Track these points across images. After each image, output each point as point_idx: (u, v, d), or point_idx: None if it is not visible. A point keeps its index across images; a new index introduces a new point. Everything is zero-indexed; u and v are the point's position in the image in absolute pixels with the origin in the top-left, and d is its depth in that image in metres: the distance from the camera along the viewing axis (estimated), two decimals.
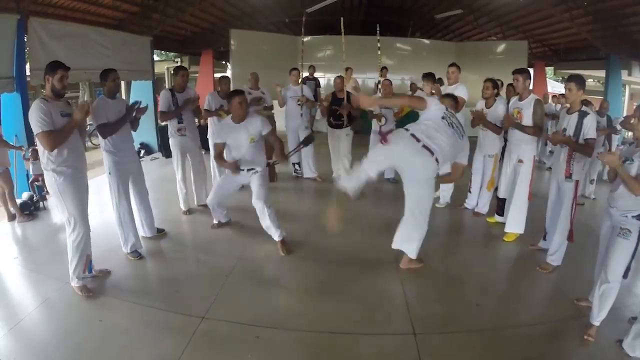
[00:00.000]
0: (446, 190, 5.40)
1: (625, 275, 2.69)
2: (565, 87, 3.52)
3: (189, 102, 4.71)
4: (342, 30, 5.60)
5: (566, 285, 3.54)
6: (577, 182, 3.58)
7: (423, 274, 3.70)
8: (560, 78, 23.99)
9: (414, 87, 8.48)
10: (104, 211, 4.76)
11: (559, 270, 3.74)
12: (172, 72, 5.84)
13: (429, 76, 5.63)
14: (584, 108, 3.46)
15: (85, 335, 2.77)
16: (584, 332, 2.80)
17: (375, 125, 6.25)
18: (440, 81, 6.97)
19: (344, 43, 5.76)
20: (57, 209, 3.20)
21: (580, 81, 3.46)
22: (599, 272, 2.87)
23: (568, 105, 3.61)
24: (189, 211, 5.11)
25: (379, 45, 6.87)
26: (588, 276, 3.25)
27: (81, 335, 2.77)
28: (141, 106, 3.95)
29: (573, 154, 3.54)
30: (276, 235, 4.02)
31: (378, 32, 6.81)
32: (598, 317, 2.76)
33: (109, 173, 3.78)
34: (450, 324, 2.57)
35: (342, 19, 5.57)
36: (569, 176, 3.58)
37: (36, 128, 2.90)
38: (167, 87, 16.33)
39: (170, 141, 4.96)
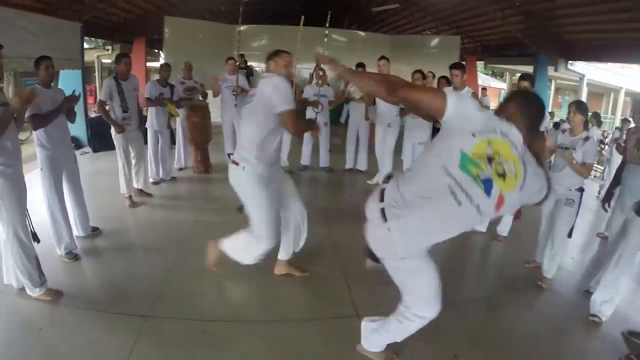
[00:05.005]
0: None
1: (569, 235, 3.57)
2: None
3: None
4: (301, 23, 6.00)
5: (515, 254, 4.19)
6: None
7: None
8: (490, 72, 25.53)
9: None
10: (34, 210, 4.46)
11: (505, 242, 4.41)
12: (114, 59, 5.64)
13: (361, 66, 6.09)
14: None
15: (25, 345, 2.60)
16: (537, 280, 3.60)
17: (310, 113, 6.10)
18: None
19: (301, 31, 6.15)
20: None
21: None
22: (544, 238, 3.70)
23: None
24: (132, 198, 4.97)
25: (325, 39, 6.92)
26: (529, 244, 4.04)
27: (21, 345, 2.59)
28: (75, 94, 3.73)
29: None
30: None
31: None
32: (550, 271, 3.57)
33: (41, 169, 3.56)
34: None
35: (303, 17, 5.90)
36: None
37: None
38: (96, 76, 15.61)
39: (113, 132, 4.80)
